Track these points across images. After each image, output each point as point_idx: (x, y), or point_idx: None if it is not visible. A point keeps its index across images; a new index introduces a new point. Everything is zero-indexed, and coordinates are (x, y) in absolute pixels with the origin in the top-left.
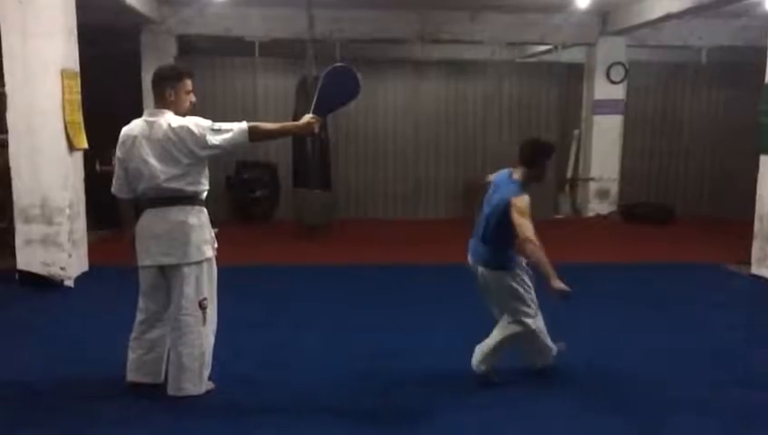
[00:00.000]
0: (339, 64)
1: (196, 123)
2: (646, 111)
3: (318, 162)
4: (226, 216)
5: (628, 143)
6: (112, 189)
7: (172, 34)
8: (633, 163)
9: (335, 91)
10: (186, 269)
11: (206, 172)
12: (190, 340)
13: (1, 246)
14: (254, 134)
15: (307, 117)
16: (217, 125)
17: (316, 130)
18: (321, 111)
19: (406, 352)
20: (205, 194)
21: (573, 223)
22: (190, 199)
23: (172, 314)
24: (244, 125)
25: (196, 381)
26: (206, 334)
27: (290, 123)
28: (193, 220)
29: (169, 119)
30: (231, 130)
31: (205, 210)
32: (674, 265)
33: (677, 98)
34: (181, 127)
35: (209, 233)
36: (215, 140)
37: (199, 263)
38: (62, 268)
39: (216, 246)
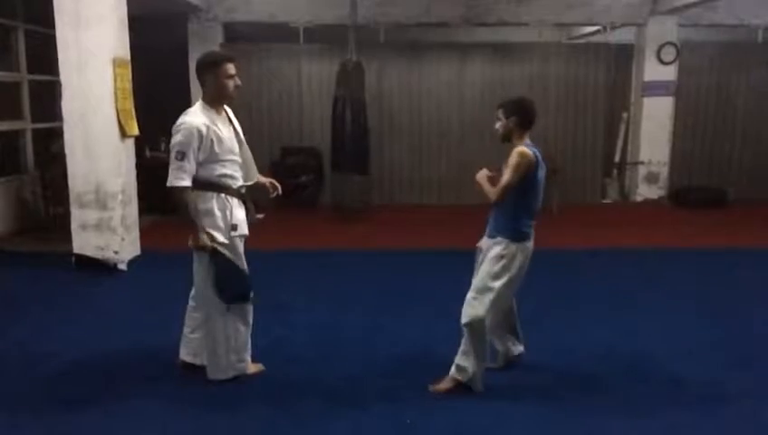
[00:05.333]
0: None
1: (178, 132)
2: (698, 92)
3: (355, 147)
4: (271, 201)
5: (678, 126)
6: None
7: (218, 22)
8: (684, 146)
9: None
10: (200, 253)
11: (216, 160)
12: (212, 326)
13: (58, 231)
14: (173, 191)
15: (205, 238)
16: (180, 154)
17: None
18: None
19: (449, 336)
20: (227, 180)
21: (621, 208)
22: (203, 185)
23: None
24: (177, 182)
25: (224, 365)
26: (231, 320)
27: (197, 217)
28: (202, 206)
29: (191, 111)
30: (171, 167)
31: (222, 196)
32: (727, 251)
33: (732, 79)
34: (177, 124)
35: (224, 219)
36: (171, 154)
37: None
38: (115, 252)
39: (239, 233)
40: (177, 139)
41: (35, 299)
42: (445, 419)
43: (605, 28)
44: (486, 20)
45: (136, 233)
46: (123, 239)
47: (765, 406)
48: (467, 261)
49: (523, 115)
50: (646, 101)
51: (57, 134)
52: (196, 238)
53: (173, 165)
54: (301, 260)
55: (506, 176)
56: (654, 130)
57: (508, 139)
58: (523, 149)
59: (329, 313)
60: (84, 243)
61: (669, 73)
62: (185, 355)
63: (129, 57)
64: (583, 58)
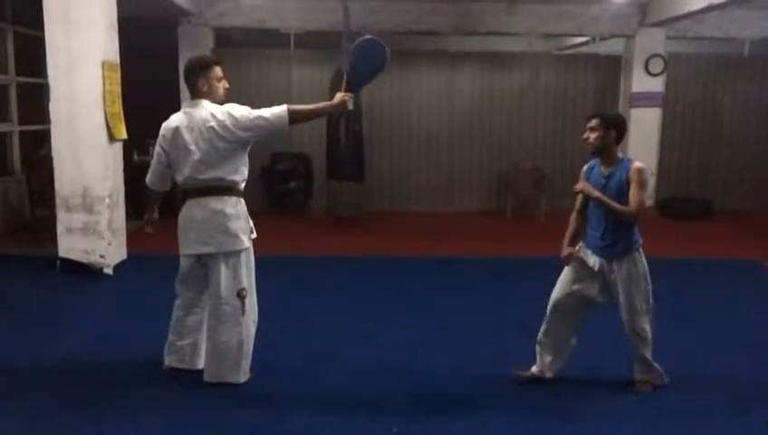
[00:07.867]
0: (366, 37)
1: (236, 107)
2: (685, 104)
3: (351, 154)
4: (260, 206)
5: (666, 137)
6: (147, 182)
7: (209, 27)
8: (671, 157)
9: (366, 64)
10: (222, 258)
11: (246, 161)
12: (227, 329)
13: (44, 234)
14: (293, 116)
15: (339, 95)
16: (257, 110)
17: (350, 106)
18: (354, 86)
19: (438, 345)
20: (243, 184)
21: None
22: (228, 189)
23: (211, 303)
24: (283, 107)
25: (235, 370)
26: (245, 324)
27: (323, 103)
28: (230, 210)
29: (209, 107)
30: (271, 112)
31: (242, 201)
32: (707, 262)
33: (718, 91)
34: (222, 112)
35: (246, 223)
36: (254, 121)
37: (236, 252)
38: (101, 256)
39: (253, 236)
40: (241, 109)
41: (18, 303)
42: (434, 428)
43: (594, 39)
44: (477, 29)
45: (122, 237)
46: (110, 244)
47: None
48: (459, 268)
49: (621, 130)
50: (633, 111)
51: (48, 138)
52: (341, 105)
53: (264, 111)
54: (291, 266)
55: (638, 194)
56: (641, 141)
57: (601, 150)
58: (642, 165)
59: (319, 319)
60: (70, 246)
61: (657, 85)
62: (172, 361)
63: (118, 60)
64: (572, 68)
